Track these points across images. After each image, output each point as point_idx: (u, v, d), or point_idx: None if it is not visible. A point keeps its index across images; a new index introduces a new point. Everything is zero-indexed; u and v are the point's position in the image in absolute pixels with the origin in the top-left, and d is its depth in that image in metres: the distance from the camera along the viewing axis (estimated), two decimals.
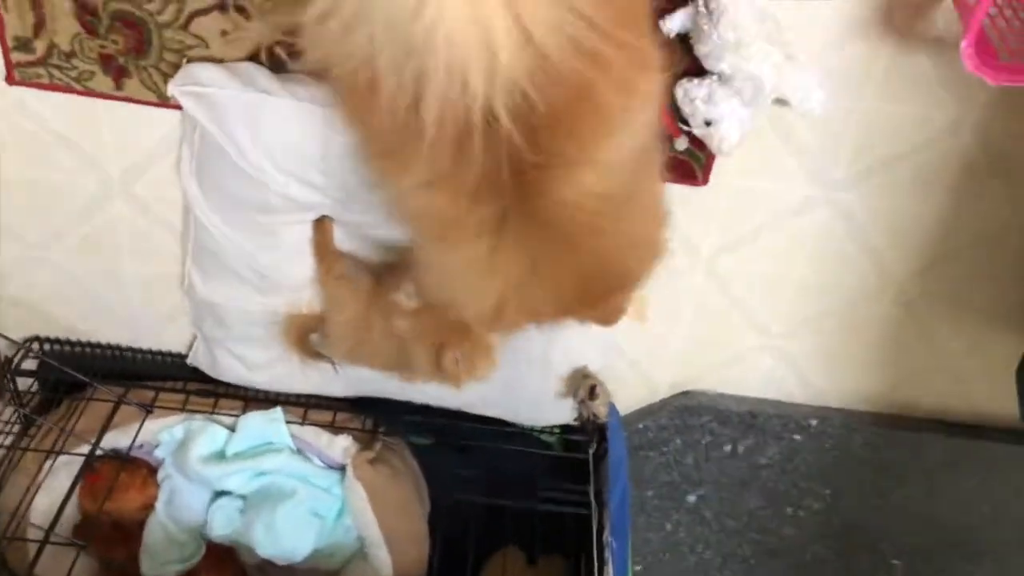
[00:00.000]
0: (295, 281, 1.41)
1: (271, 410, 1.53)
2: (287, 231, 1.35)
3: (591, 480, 1.58)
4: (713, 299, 1.62)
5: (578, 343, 1.51)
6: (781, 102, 1.28)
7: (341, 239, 1.38)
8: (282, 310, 1.44)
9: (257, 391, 1.58)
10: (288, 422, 1.53)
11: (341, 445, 1.52)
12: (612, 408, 1.57)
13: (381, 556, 1.53)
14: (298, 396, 1.61)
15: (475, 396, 1.55)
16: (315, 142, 1.22)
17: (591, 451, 1.59)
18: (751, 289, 1.61)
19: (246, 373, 1.53)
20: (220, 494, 1.56)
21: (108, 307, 1.61)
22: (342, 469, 1.55)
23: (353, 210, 1.30)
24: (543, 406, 1.58)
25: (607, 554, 1.44)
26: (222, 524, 1.54)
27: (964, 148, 1.43)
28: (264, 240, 1.34)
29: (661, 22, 1.26)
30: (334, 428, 1.55)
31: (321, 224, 1.35)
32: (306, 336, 1.48)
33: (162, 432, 1.53)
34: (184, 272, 1.47)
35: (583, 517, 1.55)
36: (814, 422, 1.74)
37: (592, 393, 1.50)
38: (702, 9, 1.22)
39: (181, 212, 1.46)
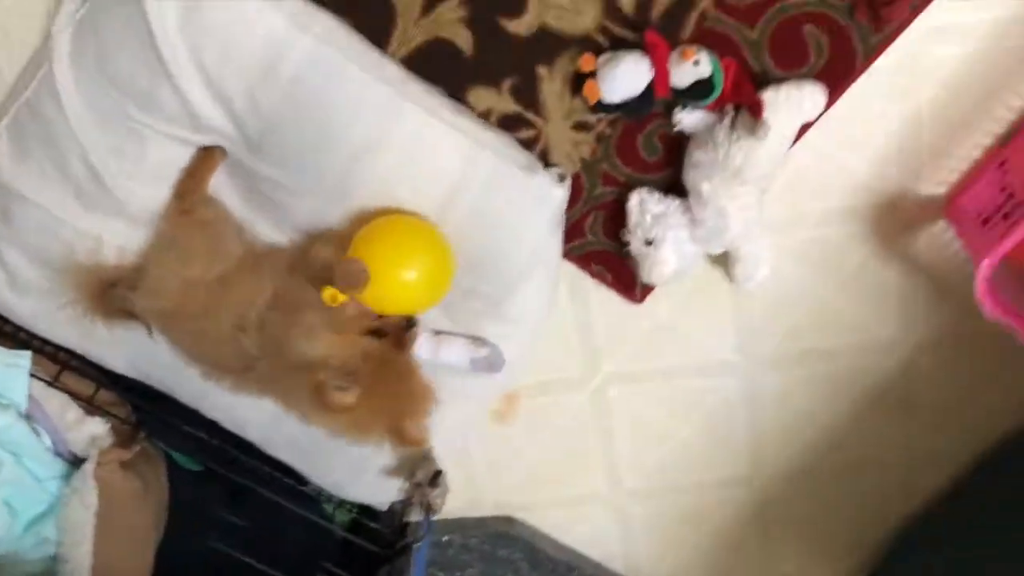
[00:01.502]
0: (131, 207, 1.08)
1: (17, 352, 1.12)
2: (157, 144, 1.04)
3: None
4: (585, 425, 1.44)
5: (433, 424, 1.25)
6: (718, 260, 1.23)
7: (232, 195, 1.08)
8: (89, 245, 1.09)
9: (4, 320, 1.17)
10: (32, 375, 1.13)
11: (91, 431, 1.14)
12: None
13: None
14: (58, 348, 1.20)
15: (285, 438, 1.24)
16: (262, 56, 0.96)
17: (396, 547, 1.30)
18: (626, 430, 1.45)
19: (5, 290, 1.13)
20: None
21: None
22: (74, 462, 1.16)
23: (265, 159, 1.02)
24: (361, 477, 1.29)
25: None
26: None
27: (887, 371, 1.38)
28: (124, 141, 1.03)
29: (675, 112, 1.12)
30: (91, 406, 1.16)
31: (210, 153, 1.04)
32: (106, 288, 1.12)
33: None
34: None
35: None
36: None
37: (434, 480, 1.23)
38: (726, 122, 1.09)
39: (21, 62, 1.10)
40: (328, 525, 1.36)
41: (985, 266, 1.04)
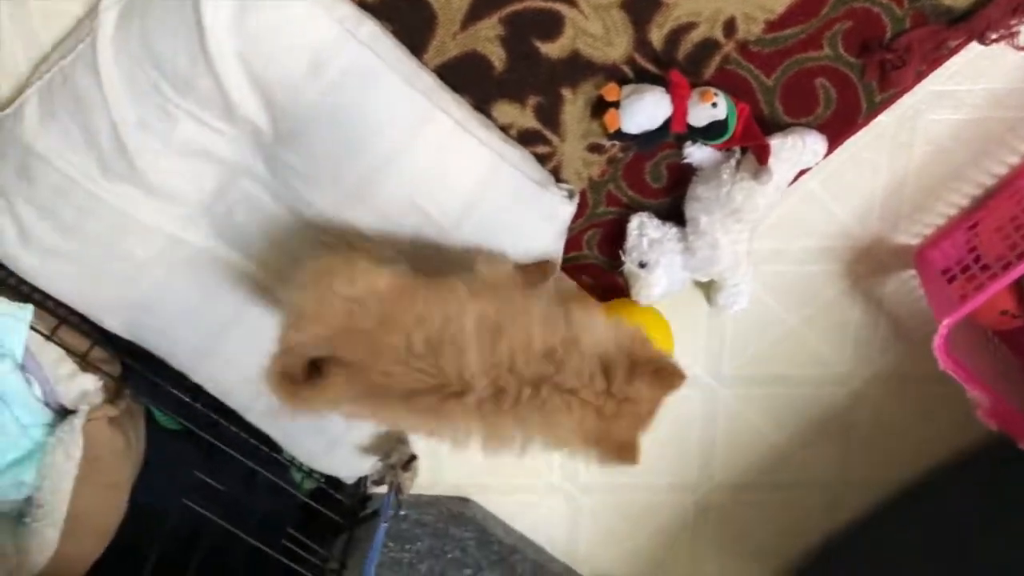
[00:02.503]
0: (151, 179, 1.08)
1: (20, 304, 1.12)
2: (186, 125, 1.04)
3: (341, 548, 1.34)
4: None
5: None
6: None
7: (252, 174, 1.10)
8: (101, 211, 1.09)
9: (8, 272, 1.17)
10: (31, 327, 1.13)
11: (83, 386, 1.15)
12: None
13: (47, 536, 1.15)
14: (57, 304, 1.20)
15: (265, 407, 1.27)
16: (308, 58, 0.98)
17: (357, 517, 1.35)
18: None
19: (14, 244, 1.12)
20: None
21: None
22: (61, 412, 1.17)
23: (293, 151, 1.04)
24: (335, 451, 1.32)
25: None
26: None
27: (836, 401, 1.47)
28: (154, 118, 1.03)
29: (685, 145, 1.17)
30: (85, 362, 1.17)
31: None
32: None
33: None
34: (18, 97, 1.08)
35: None
36: None
37: (408, 464, 1.28)
38: (732, 162, 1.15)
39: (60, 31, 1.09)
40: (294, 492, 1.40)
41: (944, 325, 1.11)
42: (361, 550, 1.39)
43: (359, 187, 1.05)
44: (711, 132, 1.11)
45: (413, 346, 0.92)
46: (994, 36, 1.11)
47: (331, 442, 1.32)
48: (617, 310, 1.26)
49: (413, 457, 1.31)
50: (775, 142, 1.13)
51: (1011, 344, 1.35)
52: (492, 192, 1.07)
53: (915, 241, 1.30)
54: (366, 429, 1.31)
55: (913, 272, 1.32)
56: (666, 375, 0.96)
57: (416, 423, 1.00)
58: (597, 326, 0.97)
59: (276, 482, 1.35)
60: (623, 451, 0.96)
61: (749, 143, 1.12)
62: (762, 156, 1.10)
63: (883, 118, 1.19)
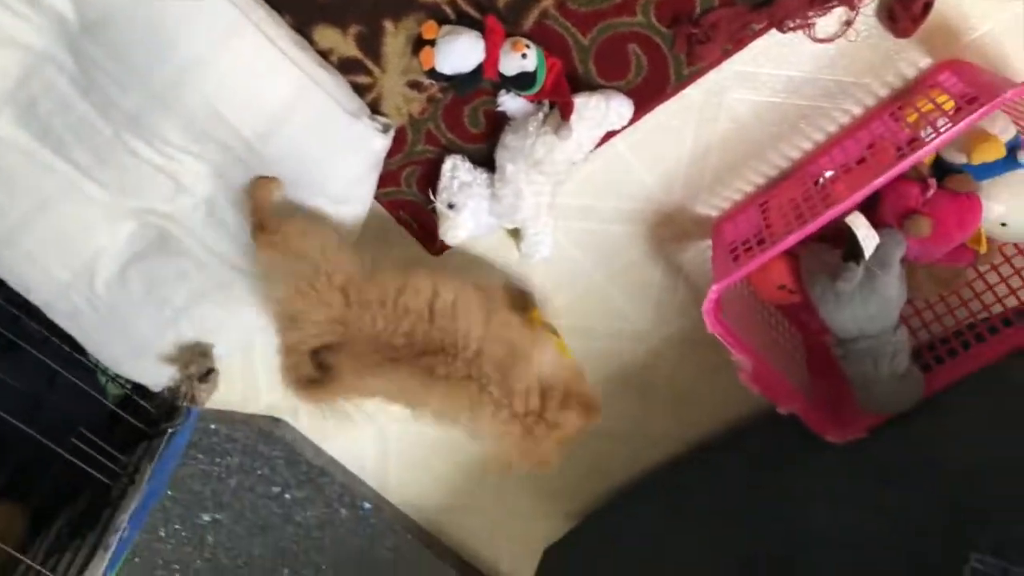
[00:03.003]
0: None
1: None
2: None
3: (138, 454, 1.35)
4: None
5: (221, 320, 1.31)
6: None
7: (63, 73, 1.10)
8: None
9: None
10: None
11: None
12: None
13: None
14: None
15: (69, 306, 1.27)
16: None
17: (160, 427, 1.36)
18: None
19: None
20: None
21: None
22: None
23: (100, 46, 1.04)
24: (138, 357, 1.33)
25: (112, 537, 1.21)
26: None
27: (636, 357, 1.57)
28: None
29: (500, 93, 1.22)
30: None
31: (263, 183, 1.14)
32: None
33: None
34: None
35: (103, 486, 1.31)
36: (368, 505, 1.70)
37: (206, 376, 1.30)
38: (540, 115, 1.21)
39: None
40: (98, 397, 1.40)
41: (713, 289, 1.20)
42: (159, 457, 1.41)
43: (164, 90, 1.05)
44: (520, 82, 1.16)
45: (400, 312, 1.08)
46: (792, 25, 1.20)
47: (134, 348, 1.32)
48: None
49: (211, 370, 1.33)
50: (580, 100, 1.19)
51: (791, 319, 1.47)
52: (300, 115, 1.10)
53: (714, 213, 1.40)
54: (169, 338, 1.32)
55: (708, 242, 1.41)
56: (592, 410, 1.14)
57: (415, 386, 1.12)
58: (548, 353, 1.14)
59: (79, 384, 1.35)
60: (542, 466, 1.13)
61: (556, 98, 1.18)
62: (565, 112, 1.16)
63: (691, 91, 1.27)
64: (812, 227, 1.15)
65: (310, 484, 1.66)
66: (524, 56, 1.13)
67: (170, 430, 1.29)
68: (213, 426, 1.56)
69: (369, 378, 1.11)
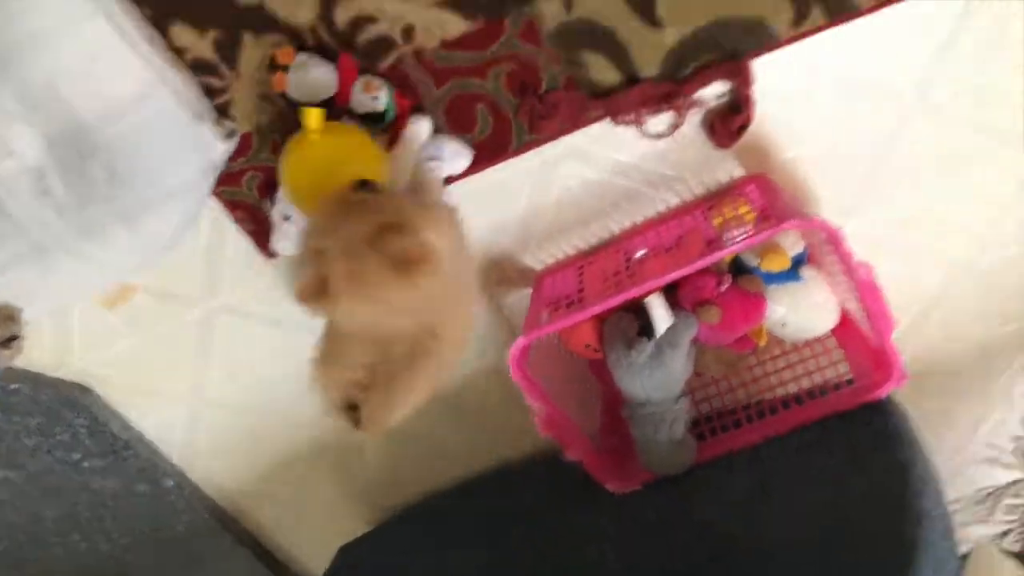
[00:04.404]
0: None
1: None
2: None
3: None
4: (187, 339, 1.58)
5: (35, 286, 1.31)
6: None
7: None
8: None
9: None
10: None
11: None
12: None
13: None
14: None
15: None
16: None
17: None
18: (223, 356, 1.61)
19: None
20: None
21: None
22: None
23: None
24: None
25: None
26: None
27: (454, 376, 1.62)
28: None
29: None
30: None
31: None
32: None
33: None
34: None
35: None
36: (170, 483, 1.72)
37: (8, 343, 1.29)
38: None
39: None
40: None
41: (520, 339, 1.29)
42: None
43: (2, 54, 1.06)
44: (369, 120, 1.22)
45: None
46: (624, 119, 1.30)
47: None
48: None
49: (15, 337, 1.32)
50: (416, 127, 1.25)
51: (595, 371, 1.59)
52: (143, 109, 1.13)
53: (538, 266, 1.50)
54: None
55: (529, 291, 1.51)
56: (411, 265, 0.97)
57: None
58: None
59: None
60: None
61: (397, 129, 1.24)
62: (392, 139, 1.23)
63: (529, 156, 1.36)
64: (615, 300, 1.25)
65: (113, 455, 1.66)
66: (375, 98, 1.19)
67: None
68: (15, 385, 1.55)
69: None
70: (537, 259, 1.49)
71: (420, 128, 1.23)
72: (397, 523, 1.81)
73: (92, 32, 1.07)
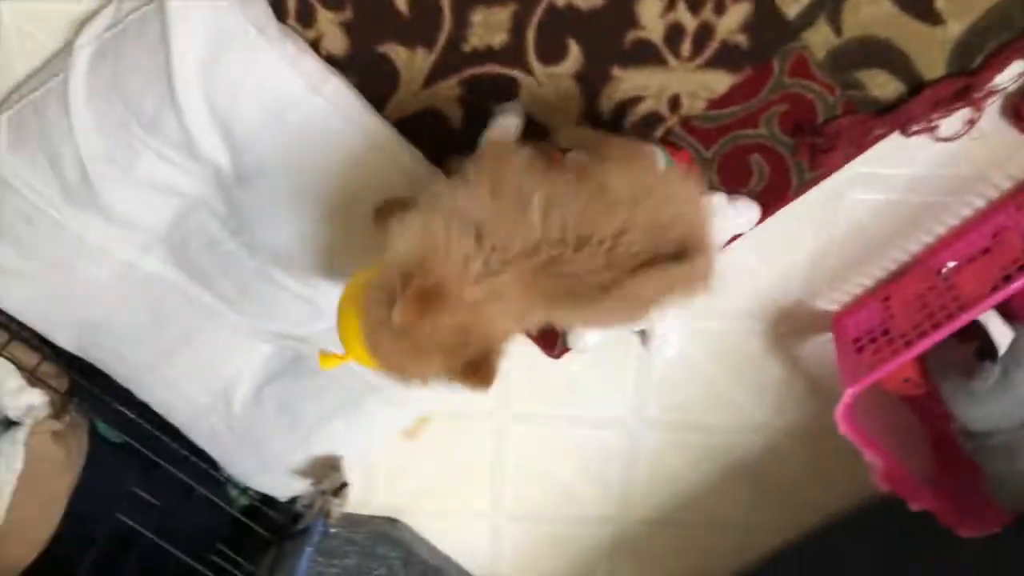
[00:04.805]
0: (114, 210, 1.12)
1: None
2: (149, 160, 1.08)
3: (268, 564, 1.38)
4: (483, 453, 1.56)
5: (350, 435, 1.34)
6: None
7: (212, 215, 1.14)
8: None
9: None
10: None
11: (29, 400, 1.18)
12: None
13: None
14: (8, 318, 1.22)
15: (207, 427, 1.31)
16: (271, 108, 1.03)
17: (285, 533, 1.39)
18: (518, 464, 1.58)
19: None
20: None
21: None
22: (4, 423, 1.19)
23: (251, 193, 1.08)
24: (270, 471, 1.37)
25: None
26: None
27: (750, 451, 1.56)
28: (118, 151, 1.07)
29: None
30: (33, 376, 1.19)
31: None
32: None
33: None
34: None
35: None
36: None
37: (339, 491, 1.32)
38: None
39: (34, 61, 1.13)
40: (227, 508, 1.43)
41: (848, 394, 1.19)
42: (288, 566, 1.43)
43: (315, 230, 1.09)
44: None
45: None
46: (915, 128, 1.20)
47: (266, 463, 1.36)
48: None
49: (344, 484, 1.36)
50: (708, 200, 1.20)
51: (914, 408, 1.45)
52: None
53: (833, 307, 1.39)
54: (300, 453, 1.34)
55: (829, 336, 1.41)
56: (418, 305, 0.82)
57: None
58: None
59: (211, 498, 1.38)
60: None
61: None
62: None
63: (811, 194, 1.27)
64: (947, 330, 1.14)
65: None
66: None
67: (309, 548, 1.31)
68: (333, 529, 1.58)
69: None
70: (830, 299, 1.39)
71: (714, 201, 1.17)
72: None
73: (377, 160, 1.08)
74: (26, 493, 1.18)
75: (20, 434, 1.15)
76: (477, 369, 0.85)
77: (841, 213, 1.30)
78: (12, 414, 1.18)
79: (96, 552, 1.23)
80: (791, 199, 1.27)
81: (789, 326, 1.42)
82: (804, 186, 1.26)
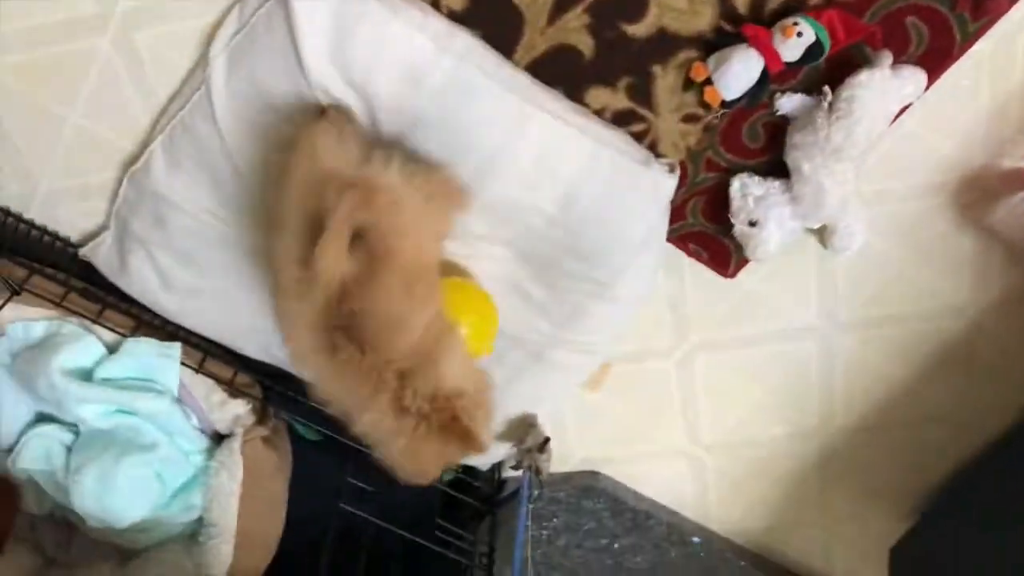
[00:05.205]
0: None
1: (169, 343, 1.21)
2: None
3: (486, 532, 1.40)
4: (670, 390, 1.53)
5: (539, 391, 1.34)
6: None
7: None
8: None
9: (155, 315, 1.24)
10: (181, 363, 1.21)
11: (235, 411, 1.23)
12: None
13: (223, 551, 1.24)
14: (200, 338, 1.28)
15: None
16: (406, 75, 1.02)
17: (494, 501, 1.41)
18: (708, 394, 1.54)
19: (157, 291, 1.20)
20: (43, 419, 1.21)
21: (13, 150, 1.23)
22: (214, 437, 1.25)
23: None
24: None
25: None
26: (35, 456, 1.19)
27: (955, 334, 1.46)
28: (271, 153, 1.07)
29: (775, 98, 1.17)
30: (232, 388, 1.25)
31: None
32: None
33: (17, 323, 1.15)
34: (143, 152, 1.15)
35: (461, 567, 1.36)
36: (696, 540, 1.67)
37: (543, 446, 1.32)
38: (825, 104, 1.15)
39: (174, 83, 1.16)
40: (437, 483, 1.45)
41: None
42: (506, 532, 1.45)
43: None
44: (811, 56, 1.11)
45: None
46: None
47: None
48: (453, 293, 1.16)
49: (547, 439, 1.36)
50: (871, 74, 1.12)
51: None
52: (596, 177, 1.10)
53: (1022, 163, 1.28)
54: (497, 417, 1.35)
55: (1022, 195, 1.29)
56: (470, 443, 1.03)
57: None
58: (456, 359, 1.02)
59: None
60: (418, 476, 1.06)
61: (856, 39, 1.11)
62: (873, 42, 1.10)
63: (979, 46, 1.17)
64: None
65: (637, 530, 1.65)
66: (800, 35, 1.08)
67: (527, 505, 1.32)
68: (536, 492, 1.59)
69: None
70: (1017, 156, 1.27)
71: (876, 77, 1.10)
72: (936, 511, 1.61)
73: (534, 128, 1.06)
74: (250, 499, 1.24)
75: (235, 443, 1.21)
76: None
77: (1018, 56, 1.19)
78: (220, 427, 1.24)
79: (329, 551, 1.28)
80: (957, 57, 1.17)
81: (976, 194, 1.31)
82: (969, 40, 1.15)
